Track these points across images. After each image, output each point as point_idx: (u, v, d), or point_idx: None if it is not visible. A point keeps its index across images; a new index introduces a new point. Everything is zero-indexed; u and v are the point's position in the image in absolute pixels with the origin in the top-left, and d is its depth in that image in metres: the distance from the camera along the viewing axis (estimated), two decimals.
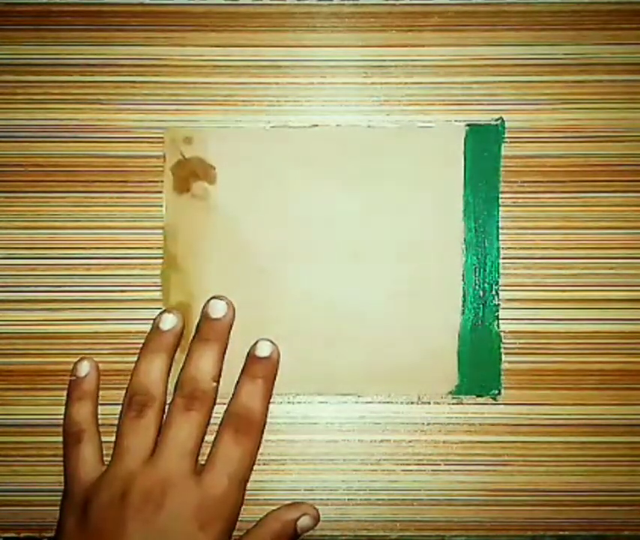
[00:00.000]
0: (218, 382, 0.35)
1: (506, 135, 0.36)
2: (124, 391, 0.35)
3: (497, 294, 0.36)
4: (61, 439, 0.35)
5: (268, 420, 0.35)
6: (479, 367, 0.36)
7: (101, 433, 0.35)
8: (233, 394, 0.35)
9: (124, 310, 0.36)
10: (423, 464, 0.36)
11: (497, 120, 0.36)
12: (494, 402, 0.36)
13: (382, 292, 0.36)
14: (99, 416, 0.35)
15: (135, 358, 0.35)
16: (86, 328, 0.36)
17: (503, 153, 0.36)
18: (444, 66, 0.37)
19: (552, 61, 0.36)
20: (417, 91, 0.37)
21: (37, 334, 0.36)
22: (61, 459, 0.35)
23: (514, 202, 0.36)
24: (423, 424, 0.36)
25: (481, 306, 0.36)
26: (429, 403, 0.36)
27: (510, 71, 0.37)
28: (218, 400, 0.35)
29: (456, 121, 0.36)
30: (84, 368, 0.35)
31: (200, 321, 0.35)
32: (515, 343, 0.36)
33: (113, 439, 0.34)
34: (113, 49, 0.37)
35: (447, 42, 0.37)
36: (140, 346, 0.35)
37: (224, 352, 0.35)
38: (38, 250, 0.36)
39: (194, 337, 0.35)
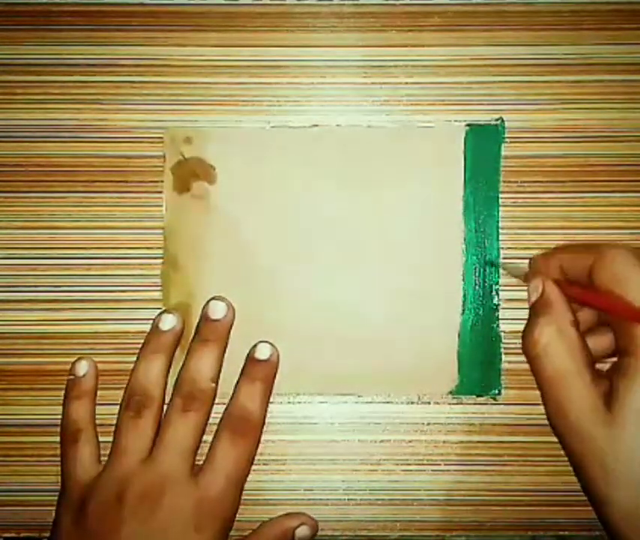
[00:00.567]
0: (217, 382, 0.35)
1: (506, 135, 0.36)
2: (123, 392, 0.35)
3: (497, 294, 0.36)
4: None
5: (268, 420, 0.35)
6: (479, 367, 0.36)
7: (101, 433, 0.35)
8: (232, 396, 0.35)
9: (124, 310, 0.36)
10: (423, 464, 0.36)
11: (497, 120, 0.36)
12: (494, 402, 0.36)
13: (382, 292, 0.36)
14: (99, 416, 0.35)
15: (134, 358, 0.35)
16: (86, 328, 0.36)
17: (503, 153, 0.36)
18: (444, 66, 0.37)
19: (552, 61, 0.36)
20: (417, 91, 0.37)
21: (37, 334, 0.36)
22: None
23: (514, 202, 0.36)
24: (423, 424, 0.36)
25: (481, 306, 0.36)
26: (429, 403, 0.36)
27: (510, 71, 0.37)
28: (218, 401, 0.35)
29: (456, 121, 0.36)
30: (82, 368, 0.35)
31: (200, 322, 0.35)
32: (515, 343, 0.36)
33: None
34: (113, 49, 0.37)
35: (447, 42, 0.37)
36: (140, 346, 0.35)
37: (223, 353, 0.35)
38: (38, 250, 0.36)
39: (194, 337, 0.35)
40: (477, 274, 0.36)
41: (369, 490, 0.36)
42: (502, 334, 0.36)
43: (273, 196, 0.36)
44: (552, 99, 0.36)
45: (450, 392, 0.36)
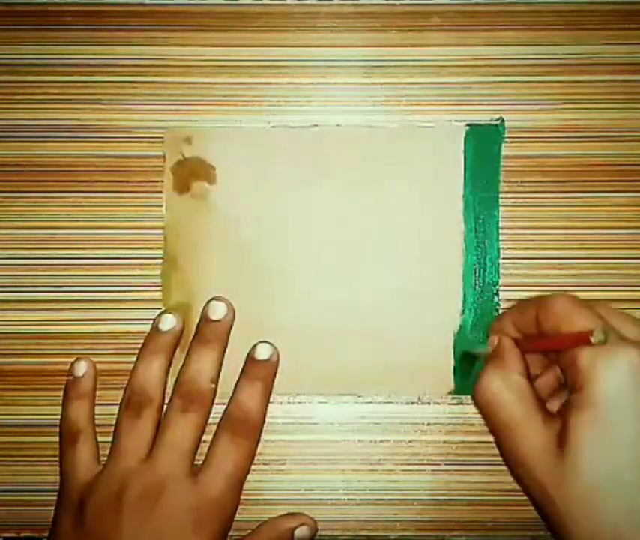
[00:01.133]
0: (216, 383, 0.35)
1: (506, 135, 0.36)
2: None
3: (497, 294, 0.36)
4: None
5: (268, 420, 0.35)
6: (479, 368, 0.36)
7: (102, 433, 0.35)
8: (231, 396, 0.35)
9: (124, 310, 0.36)
10: (423, 464, 0.36)
11: (497, 120, 0.36)
12: None
13: (382, 292, 0.36)
14: (99, 416, 0.35)
15: (134, 359, 0.35)
16: (86, 328, 0.36)
17: (503, 153, 0.36)
18: (444, 66, 0.37)
19: (552, 61, 0.36)
20: (417, 91, 0.37)
21: (37, 334, 0.36)
22: None
23: (514, 202, 0.36)
24: (423, 424, 0.36)
25: (481, 306, 0.36)
26: (429, 403, 0.36)
27: (510, 71, 0.37)
28: (218, 400, 0.35)
29: (456, 121, 0.36)
30: (81, 368, 0.35)
31: (200, 322, 0.35)
32: None
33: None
34: (113, 49, 0.37)
35: (447, 42, 0.37)
36: (140, 346, 0.35)
37: (223, 354, 0.35)
38: (38, 250, 0.36)
39: (193, 337, 0.35)
40: (476, 274, 0.36)
41: (369, 490, 0.36)
42: None
43: (273, 196, 0.36)
44: (552, 99, 0.36)
45: (450, 392, 0.36)
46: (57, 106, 0.37)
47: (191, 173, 0.37)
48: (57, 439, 0.35)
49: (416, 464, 0.36)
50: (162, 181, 0.36)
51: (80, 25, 0.37)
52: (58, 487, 0.35)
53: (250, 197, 0.36)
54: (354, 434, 0.36)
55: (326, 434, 0.36)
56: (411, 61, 0.37)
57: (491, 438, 0.36)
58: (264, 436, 0.35)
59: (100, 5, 0.37)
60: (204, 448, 0.34)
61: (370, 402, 0.36)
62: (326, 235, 0.36)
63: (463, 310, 0.36)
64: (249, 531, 0.35)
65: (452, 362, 0.36)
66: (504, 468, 0.36)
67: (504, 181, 0.36)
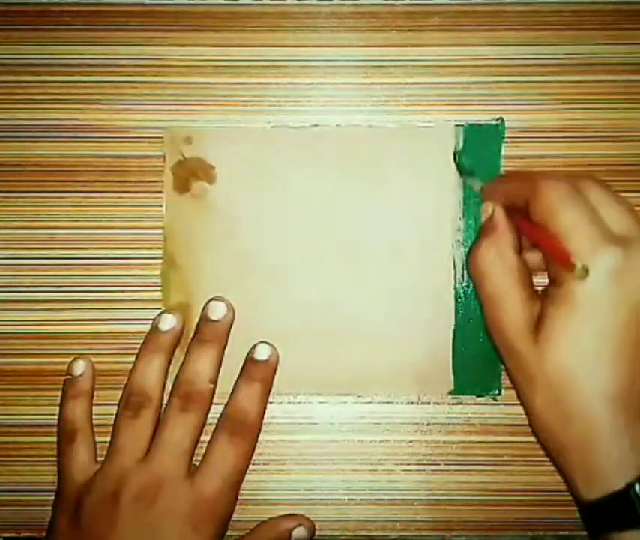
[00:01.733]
0: (215, 383, 0.35)
1: (506, 135, 0.36)
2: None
3: None
4: None
5: (268, 420, 0.35)
6: (479, 367, 0.36)
7: (102, 432, 0.35)
8: (230, 396, 0.35)
9: (124, 310, 0.36)
10: (423, 464, 0.36)
11: (497, 120, 0.36)
12: (494, 402, 0.36)
13: (382, 292, 0.36)
14: (99, 416, 0.35)
15: (134, 358, 0.35)
16: (86, 328, 0.36)
17: (503, 153, 0.36)
18: (444, 66, 0.37)
19: (552, 61, 0.36)
20: (417, 91, 0.37)
21: (37, 334, 0.36)
22: None
23: None
24: (423, 424, 0.36)
25: (481, 306, 0.36)
26: (429, 403, 0.36)
27: (510, 71, 0.37)
28: (217, 400, 0.35)
29: (455, 121, 0.36)
30: (79, 367, 0.35)
31: (199, 322, 0.35)
32: None
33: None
34: (113, 49, 0.37)
35: (447, 42, 0.37)
36: (139, 346, 0.35)
37: (222, 354, 0.35)
38: (38, 250, 0.36)
39: (193, 337, 0.35)
40: None
41: (369, 490, 0.36)
42: None
43: (273, 196, 0.36)
44: (552, 99, 0.36)
45: (450, 392, 0.36)
46: (57, 106, 0.37)
47: (191, 173, 0.37)
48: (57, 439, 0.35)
49: (416, 464, 0.36)
50: (162, 181, 0.36)
51: (80, 25, 0.37)
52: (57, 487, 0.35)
53: (250, 197, 0.36)
54: (354, 434, 0.36)
55: (326, 434, 0.36)
56: (411, 61, 0.37)
57: (491, 438, 0.36)
58: (264, 436, 0.35)
59: (100, 5, 0.37)
60: (202, 448, 0.34)
61: (370, 402, 0.36)
62: (326, 235, 0.36)
63: (463, 310, 0.36)
64: (248, 531, 0.35)
65: (452, 362, 0.36)
66: (504, 468, 0.36)
67: None
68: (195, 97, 0.37)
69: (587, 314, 0.29)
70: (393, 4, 0.37)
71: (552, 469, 0.35)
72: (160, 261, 0.36)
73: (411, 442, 0.36)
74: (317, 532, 0.35)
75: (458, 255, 0.36)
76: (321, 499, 0.36)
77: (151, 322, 0.35)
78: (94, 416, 0.36)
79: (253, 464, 0.35)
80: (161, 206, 0.36)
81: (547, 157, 0.36)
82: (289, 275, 0.36)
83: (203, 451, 0.34)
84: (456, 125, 0.36)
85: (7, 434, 0.36)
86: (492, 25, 0.37)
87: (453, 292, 0.36)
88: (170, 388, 0.35)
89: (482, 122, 0.36)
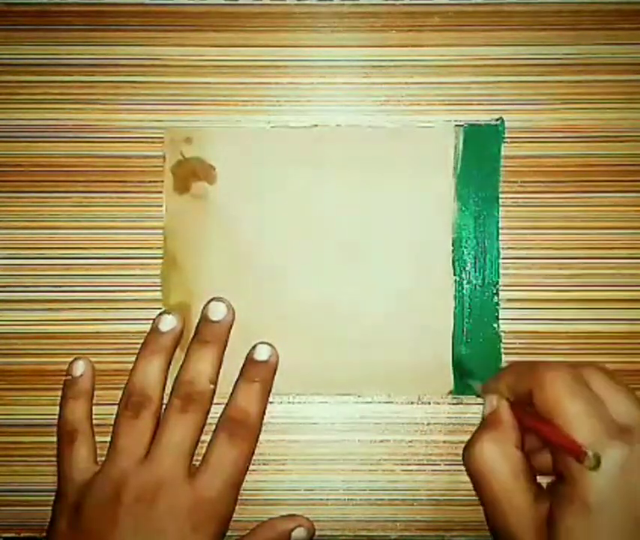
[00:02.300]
0: (215, 384, 0.35)
1: (506, 135, 0.36)
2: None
3: (497, 294, 0.36)
4: None
5: (268, 420, 0.35)
6: (479, 367, 0.36)
7: (102, 433, 0.35)
8: (230, 397, 0.35)
9: (124, 310, 0.36)
10: (423, 464, 0.36)
11: (497, 120, 0.36)
12: None
13: (382, 292, 0.36)
14: (99, 416, 0.35)
15: (134, 359, 0.35)
16: (86, 328, 0.36)
17: (503, 153, 0.36)
18: (444, 66, 0.37)
19: (552, 61, 0.36)
20: (417, 91, 0.37)
21: (37, 334, 0.36)
22: None
23: (514, 202, 0.36)
24: (423, 424, 0.36)
25: (481, 306, 0.36)
26: (429, 403, 0.36)
27: (510, 71, 0.37)
28: (217, 400, 0.35)
29: (455, 121, 0.36)
30: (79, 368, 0.35)
31: (199, 322, 0.35)
32: (515, 343, 0.36)
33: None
34: (113, 49, 0.37)
35: (447, 42, 0.37)
36: (139, 346, 0.35)
37: (222, 355, 0.35)
38: (38, 250, 0.36)
39: (193, 338, 0.35)
40: (476, 275, 0.36)
41: (369, 490, 0.36)
42: (502, 334, 0.36)
43: (273, 196, 0.36)
44: (552, 99, 0.36)
45: (450, 392, 0.36)
46: (57, 106, 0.37)
47: (191, 173, 0.37)
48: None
49: (416, 464, 0.36)
50: (162, 181, 0.36)
51: (80, 25, 0.37)
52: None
53: (250, 197, 0.36)
54: (354, 434, 0.36)
55: (326, 434, 0.36)
56: (411, 61, 0.37)
57: None
58: (264, 436, 0.35)
59: (100, 5, 0.37)
60: (202, 448, 0.34)
61: (370, 402, 0.36)
62: (326, 235, 0.36)
63: (462, 310, 0.36)
64: (248, 531, 0.35)
65: (452, 362, 0.36)
66: None
67: (504, 181, 0.36)
68: (195, 97, 0.37)
69: (598, 515, 0.27)
70: (393, 4, 0.37)
71: None
72: (160, 261, 0.36)
73: (411, 442, 0.36)
74: (317, 532, 0.35)
75: (457, 255, 0.36)
76: (321, 499, 0.36)
77: (151, 322, 0.35)
78: (94, 416, 0.36)
79: (253, 464, 0.35)
80: (161, 206, 0.36)
81: (547, 157, 0.36)
82: (289, 275, 0.36)
83: (203, 451, 0.34)
84: (456, 125, 0.36)
85: (7, 434, 0.36)
86: (492, 25, 0.37)
87: (453, 292, 0.36)
88: (170, 388, 0.35)
89: (482, 122, 0.36)
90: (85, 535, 0.32)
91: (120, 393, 0.35)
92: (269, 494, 0.36)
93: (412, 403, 0.36)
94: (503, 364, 0.36)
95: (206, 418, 0.34)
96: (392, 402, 0.36)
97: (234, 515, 0.34)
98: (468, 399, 0.36)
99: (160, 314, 0.35)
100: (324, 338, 0.36)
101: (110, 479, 0.33)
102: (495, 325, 0.36)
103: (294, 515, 0.35)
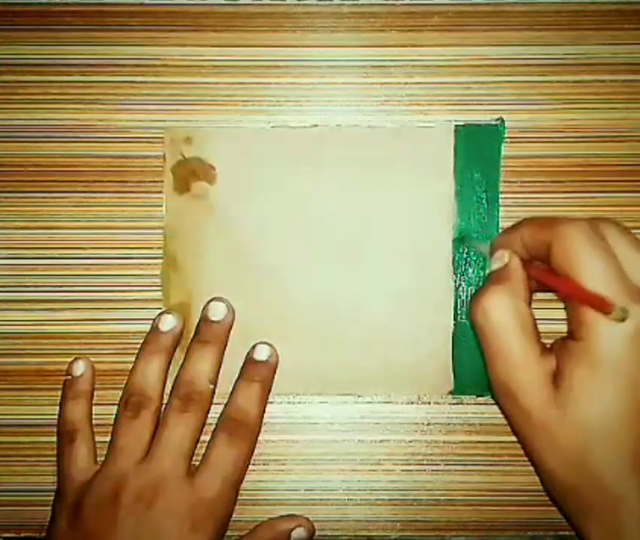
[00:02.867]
0: (215, 384, 0.35)
1: (506, 135, 0.36)
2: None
3: None
4: None
5: (268, 420, 0.35)
6: (479, 367, 0.36)
7: (102, 433, 0.35)
8: (229, 397, 0.35)
9: (124, 310, 0.36)
10: (423, 464, 0.36)
11: (497, 120, 0.36)
12: (494, 402, 0.36)
13: (382, 292, 0.36)
14: (99, 416, 0.35)
15: (134, 359, 0.35)
16: (86, 328, 0.36)
17: (503, 153, 0.36)
18: (444, 66, 0.37)
19: (552, 61, 0.36)
20: (417, 91, 0.37)
21: (37, 334, 0.36)
22: None
23: (514, 202, 0.36)
24: (423, 424, 0.36)
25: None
26: (429, 403, 0.36)
27: (510, 71, 0.37)
28: (217, 400, 0.35)
29: (456, 121, 0.36)
30: (79, 368, 0.36)
31: (199, 323, 0.35)
32: None
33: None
34: (113, 49, 0.37)
35: (447, 42, 0.37)
36: (139, 346, 0.35)
37: (222, 355, 0.35)
38: (38, 250, 0.36)
39: (193, 338, 0.35)
40: (476, 275, 0.36)
41: (369, 490, 0.36)
42: None
43: (273, 196, 0.36)
44: (552, 99, 0.36)
45: (450, 392, 0.36)
46: (57, 106, 0.37)
47: (191, 173, 0.37)
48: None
49: (416, 464, 0.36)
50: (162, 181, 0.36)
51: (80, 25, 0.37)
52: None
53: (250, 197, 0.36)
54: (354, 434, 0.36)
55: (326, 434, 0.36)
56: (411, 61, 0.37)
57: (490, 438, 0.36)
58: (264, 436, 0.35)
59: (100, 5, 0.37)
60: (202, 448, 0.34)
61: (370, 402, 0.36)
62: (326, 235, 0.36)
63: (462, 310, 0.36)
64: (248, 531, 0.35)
65: (452, 362, 0.36)
66: (504, 468, 0.36)
67: (504, 181, 0.36)
68: (195, 97, 0.37)
69: (611, 370, 0.27)
70: (393, 4, 0.37)
71: None
72: (160, 261, 0.36)
73: (411, 442, 0.36)
74: (317, 532, 0.35)
75: (457, 255, 0.36)
76: (321, 499, 0.36)
77: (151, 322, 0.35)
78: (94, 416, 0.36)
79: (253, 464, 0.35)
80: (161, 206, 0.36)
81: (547, 157, 0.36)
82: (289, 275, 0.36)
83: (203, 451, 0.34)
84: (456, 125, 0.36)
85: (7, 434, 0.36)
86: (492, 25, 0.37)
87: (452, 292, 0.36)
88: (170, 388, 0.35)
89: (482, 122, 0.36)
90: (84, 535, 0.32)
91: (120, 393, 0.35)
92: (269, 494, 0.36)
93: (412, 403, 0.36)
94: None
95: (206, 417, 0.34)
96: (392, 402, 0.36)
97: (234, 515, 0.34)
98: (468, 399, 0.36)
99: (160, 314, 0.35)
100: (324, 338, 0.36)
101: (110, 479, 0.33)
102: None
103: (293, 515, 0.35)
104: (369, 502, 0.36)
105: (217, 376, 0.35)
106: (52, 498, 0.35)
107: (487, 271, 0.32)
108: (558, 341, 0.30)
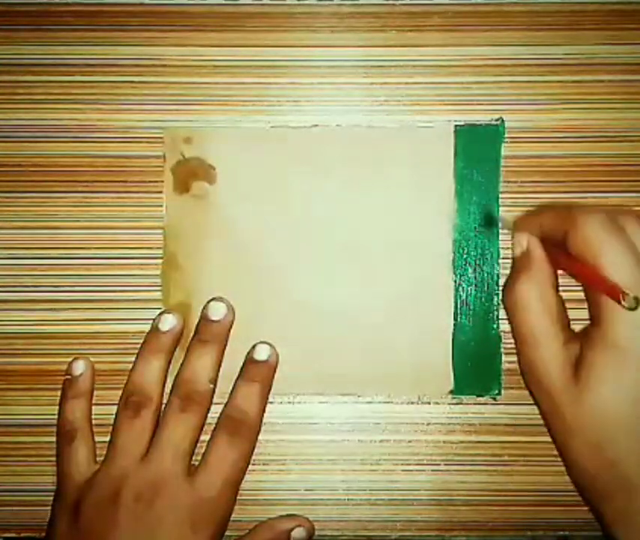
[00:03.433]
0: (215, 383, 0.35)
1: (506, 135, 0.36)
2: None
3: (497, 294, 0.36)
4: None
5: (268, 420, 0.35)
6: (479, 367, 0.36)
7: (102, 433, 0.35)
8: (229, 396, 0.35)
9: (124, 310, 0.36)
10: (423, 464, 0.36)
11: (497, 120, 0.36)
12: (494, 402, 0.36)
13: (382, 292, 0.36)
14: (98, 416, 0.35)
15: (134, 358, 0.35)
16: (86, 328, 0.36)
17: (503, 153, 0.36)
18: (444, 66, 0.37)
19: (552, 61, 0.36)
20: (417, 91, 0.37)
21: (37, 334, 0.36)
22: None
23: (514, 202, 0.36)
24: (423, 424, 0.36)
25: (481, 306, 0.36)
26: (429, 403, 0.36)
27: (510, 71, 0.37)
28: (216, 400, 0.35)
29: (456, 121, 0.36)
30: (79, 367, 0.35)
31: (199, 322, 0.35)
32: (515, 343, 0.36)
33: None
34: (113, 49, 0.37)
35: (447, 42, 0.37)
36: (139, 346, 0.35)
37: (222, 354, 0.35)
38: (38, 250, 0.36)
39: (193, 337, 0.35)
40: (476, 275, 0.36)
41: (369, 490, 0.36)
42: (502, 334, 0.36)
43: (273, 196, 0.36)
44: (552, 99, 0.36)
45: (450, 392, 0.36)
46: (57, 106, 0.37)
47: (191, 173, 0.37)
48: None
49: (416, 464, 0.36)
50: (162, 181, 0.36)
51: (80, 25, 0.37)
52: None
53: (250, 197, 0.36)
54: (354, 434, 0.36)
55: (326, 434, 0.36)
56: (411, 61, 0.37)
57: (490, 438, 0.36)
58: (264, 436, 0.35)
59: (100, 5, 0.37)
60: (202, 448, 0.34)
61: (370, 402, 0.36)
62: (326, 235, 0.36)
63: (463, 310, 0.36)
64: (247, 531, 0.35)
65: (452, 362, 0.36)
66: (504, 468, 0.36)
67: (504, 181, 0.36)
68: (195, 97, 0.37)
69: (629, 356, 0.28)
70: (393, 4, 0.37)
71: (552, 469, 0.35)
72: (160, 261, 0.36)
73: (410, 442, 0.36)
74: (317, 532, 0.35)
75: (457, 255, 0.36)
76: (321, 499, 0.36)
77: (151, 322, 0.35)
78: (93, 416, 0.36)
79: (253, 464, 0.35)
80: (161, 206, 0.36)
81: (547, 157, 0.36)
82: (289, 275, 0.36)
83: (203, 450, 0.34)
84: (456, 125, 0.36)
85: (7, 434, 0.36)
86: (492, 25, 0.37)
87: (452, 292, 0.36)
88: (170, 388, 0.35)
89: (482, 122, 0.36)
90: (84, 535, 0.32)
91: (120, 393, 0.35)
92: (269, 494, 0.36)
93: (412, 403, 0.36)
94: (504, 364, 0.36)
95: (205, 417, 0.34)
96: (392, 402, 0.36)
97: (234, 515, 0.34)
98: (467, 399, 0.36)
99: (160, 314, 0.35)
100: (324, 338, 0.36)
101: (109, 478, 0.33)
102: (495, 325, 0.36)
103: (293, 515, 0.35)
104: (369, 502, 0.36)
105: (217, 376, 0.35)
106: (52, 498, 0.35)
107: (512, 255, 0.34)
108: (585, 327, 0.30)
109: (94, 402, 0.36)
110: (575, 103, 0.36)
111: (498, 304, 0.36)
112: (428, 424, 0.36)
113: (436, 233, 0.36)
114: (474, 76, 0.37)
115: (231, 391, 0.35)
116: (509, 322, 0.32)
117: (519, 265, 0.32)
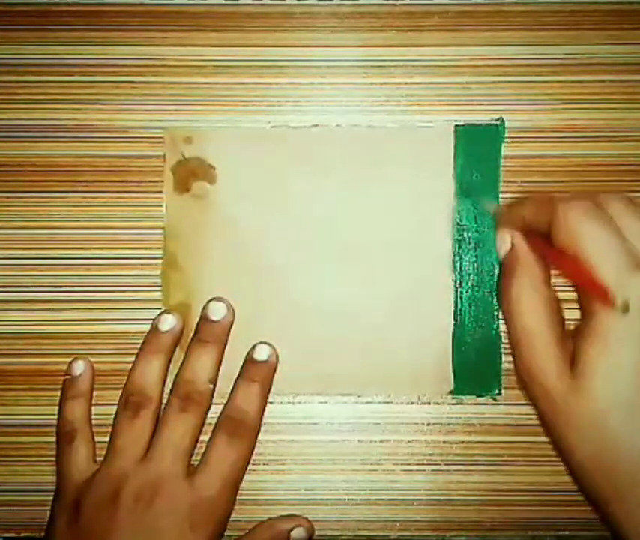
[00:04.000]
0: (215, 383, 0.35)
1: (506, 135, 0.36)
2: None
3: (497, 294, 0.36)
4: None
5: (268, 420, 0.35)
6: (479, 367, 0.36)
7: (101, 433, 0.35)
8: (229, 396, 0.35)
9: (124, 310, 0.36)
10: (423, 464, 0.36)
11: (497, 120, 0.36)
12: (494, 402, 0.36)
13: (382, 292, 0.36)
14: (98, 416, 0.35)
15: (134, 358, 0.35)
16: (86, 328, 0.36)
17: (503, 153, 0.36)
18: (444, 66, 0.37)
19: (552, 61, 0.36)
20: (417, 91, 0.37)
21: (37, 334, 0.36)
22: None
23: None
24: (423, 424, 0.36)
25: (481, 306, 0.36)
26: (429, 403, 0.36)
27: (510, 71, 0.37)
28: (217, 400, 0.35)
29: (456, 121, 0.36)
30: (78, 367, 0.35)
31: (199, 322, 0.35)
32: None
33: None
34: (113, 49, 0.37)
35: (447, 42, 0.37)
36: (139, 346, 0.35)
37: (222, 354, 0.35)
38: (38, 250, 0.36)
39: (192, 337, 0.35)
40: (476, 275, 0.36)
41: (369, 490, 0.36)
42: (502, 334, 0.36)
43: (273, 196, 0.36)
44: (552, 99, 0.36)
45: (450, 392, 0.36)
46: (57, 106, 0.37)
47: (191, 173, 0.37)
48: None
49: (416, 464, 0.36)
50: (162, 181, 0.36)
51: (80, 25, 0.37)
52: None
53: (250, 197, 0.36)
54: (354, 434, 0.36)
55: (326, 434, 0.36)
56: (411, 61, 0.37)
57: (491, 438, 0.36)
58: (264, 436, 0.35)
59: (100, 5, 0.37)
60: (202, 447, 0.34)
61: (370, 402, 0.36)
62: (326, 235, 0.36)
63: (463, 310, 0.36)
64: (247, 531, 0.35)
65: (452, 362, 0.36)
66: (504, 468, 0.36)
67: (504, 181, 0.36)
68: (195, 97, 0.37)
69: (621, 349, 0.27)
70: (393, 4, 0.37)
71: (552, 469, 0.35)
72: (160, 261, 0.36)
73: (411, 442, 0.36)
74: (317, 532, 0.35)
75: (457, 255, 0.36)
76: (321, 499, 0.36)
77: (150, 322, 0.35)
78: (93, 416, 0.36)
79: (253, 464, 0.35)
80: (161, 206, 0.36)
81: (547, 157, 0.36)
82: (289, 275, 0.36)
83: (202, 450, 0.34)
84: (456, 125, 0.36)
85: (7, 434, 0.36)
86: (492, 25, 0.37)
87: (452, 292, 0.36)
88: (170, 388, 0.35)
89: (482, 122, 0.36)
90: (84, 535, 0.32)
91: (120, 393, 0.35)
92: (269, 494, 0.36)
93: (412, 403, 0.36)
94: (504, 364, 0.36)
95: (205, 417, 0.34)
96: (392, 402, 0.36)
97: (234, 515, 0.34)
98: (467, 399, 0.36)
99: (160, 314, 0.35)
100: (324, 338, 0.36)
101: (109, 478, 0.33)
102: (495, 325, 0.36)
103: (293, 515, 0.35)
104: (369, 502, 0.36)
105: (217, 376, 0.35)
106: (52, 498, 0.35)
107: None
108: (576, 325, 0.30)
109: (93, 402, 0.36)
110: (575, 103, 0.36)
111: (498, 304, 0.36)
112: (428, 424, 0.36)
113: (436, 233, 0.36)
114: (474, 76, 0.37)
115: (231, 391, 0.35)
116: (507, 324, 0.32)
117: (506, 265, 0.31)
